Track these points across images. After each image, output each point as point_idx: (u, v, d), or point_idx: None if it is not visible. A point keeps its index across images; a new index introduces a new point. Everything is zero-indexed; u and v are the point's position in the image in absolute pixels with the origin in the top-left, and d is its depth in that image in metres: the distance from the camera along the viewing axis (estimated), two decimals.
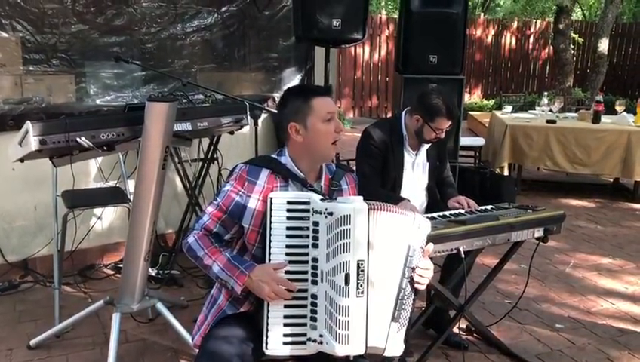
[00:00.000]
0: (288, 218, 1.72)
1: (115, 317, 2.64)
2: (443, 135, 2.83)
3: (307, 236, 1.71)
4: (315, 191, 1.86)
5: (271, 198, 1.73)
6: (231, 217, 1.87)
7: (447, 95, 2.81)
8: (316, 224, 1.69)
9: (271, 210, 1.72)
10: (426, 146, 2.95)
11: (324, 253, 1.67)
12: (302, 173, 1.90)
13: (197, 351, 1.84)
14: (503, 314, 3.05)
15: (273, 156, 1.97)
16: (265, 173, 1.88)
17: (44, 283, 3.50)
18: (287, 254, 1.72)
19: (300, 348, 1.71)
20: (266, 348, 1.70)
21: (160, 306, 2.80)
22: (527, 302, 3.40)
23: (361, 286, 1.64)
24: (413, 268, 1.76)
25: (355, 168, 3.03)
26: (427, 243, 1.83)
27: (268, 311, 1.70)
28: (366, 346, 1.67)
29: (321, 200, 1.72)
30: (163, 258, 3.68)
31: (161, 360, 2.75)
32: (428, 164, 2.98)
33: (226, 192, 1.88)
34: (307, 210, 1.71)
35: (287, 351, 1.71)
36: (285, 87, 4.35)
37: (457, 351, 2.83)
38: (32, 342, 2.82)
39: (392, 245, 1.72)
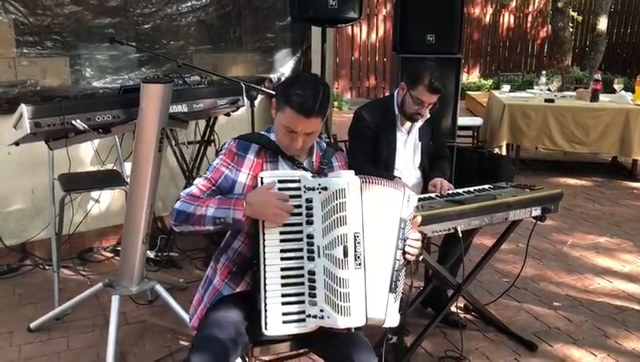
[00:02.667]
0: None
1: (115, 300, 2.65)
2: (424, 111, 2.78)
3: (300, 214, 1.71)
4: (304, 168, 1.86)
5: (262, 178, 1.72)
6: (220, 191, 1.85)
7: (441, 74, 2.75)
8: (309, 201, 1.70)
9: None
10: (418, 125, 2.93)
11: (319, 229, 1.68)
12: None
13: (195, 333, 1.85)
14: (500, 293, 3.06)
15: (263, 133, 1.96)
16: (254, 148, 1.88)
17: (42, 267, 3.51)
18: (281, 233, 1.71)
19: (300, 326, 1.71)
20: (266, 329, 1.69)
21: (159, 288, 2.81)
22: (525, 281, 3.41)
23: (358, 257, 1.66)
24: (404, 240, 1.77)
25: (347, 149, 3.02)
26: (415, 217, 1.85)
27: (265, 292, 1.69)
28: (366, 317, 1.68)
29: (312, 176, 1.73)
30: (161, 240, 3.68)
31: (160, 342, 2.77)
32: (420, 143, 2.97)
33: (215, 166, 1.87)
34: (299, 188, 1.71)
35: (286, 330, 1.71)
36: (281, 68, 4.34)
37: (455, 330, 2.85)
38: (33, 325, 2.83)
39: (385, 217, 1.73)
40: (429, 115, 2.87)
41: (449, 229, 2.29)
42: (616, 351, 2.76)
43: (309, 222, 1.70)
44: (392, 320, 1.75)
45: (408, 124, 2.92)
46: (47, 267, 3.48)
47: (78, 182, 3.15)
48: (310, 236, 1.70)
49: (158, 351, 2.68)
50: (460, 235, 2.30)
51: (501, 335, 2.87)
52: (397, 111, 2.88)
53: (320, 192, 1.67)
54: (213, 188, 1.85)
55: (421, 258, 1.93)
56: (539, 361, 2.68)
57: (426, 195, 2.53)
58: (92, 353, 2.67)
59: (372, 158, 2.89)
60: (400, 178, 2.77)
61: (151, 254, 3.52)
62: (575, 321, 3.03)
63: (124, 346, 2.71)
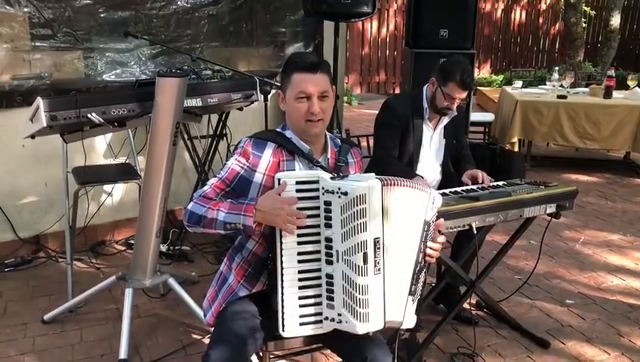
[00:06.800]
0: (298, 198, 1.66)
1: (128, 293, 2.66)
2: (454, 106, 2.77)
3: (318, 216, 1.67)
4: (322, 167, 1.84)
5: (279, 179, 1.67)
6: (235, 192, 1.82)
7: (470, 70, 2.76)
8: (328, 203, 1.65)
9: None
10: (445, 122, 2.92)
11: (338, 233, 1.64)
12: (307, 146, 1.87)
13: (209, 328, 1.85)
14: (513, 290, 3.05)
15: (278, 130, 1.93)
16: (270, 147, 1.84)
17: (56, 259, 3.53)
18: (298, 235, 1.67)
19: (317, 328, 1.71)
20: (283, 330, 1.69)
21: (172, 282, 2.82)
22: (537, 278, 3.40)
23: (378, 263, 1.63)
24: (427, 242, 1.75)
25: (373, 140, 3.01)
26: (438, 218, 1.82)
27: (283, 294, 1.67)
28: (384, 321, 1.68)
29: (331, 178, 1.68)
30: (173, 234, 3.69)
31: (173, 335, 2.78)
32: (445, 140, 2.96)
33: (230, 166, 1.83)
34: (317, 189, 1.66)
35: (303, 331, 1.71)
36: None
37: (468, 327, 2.84)
38: (46, 317, 2.86)
39: (407, 220, 1.70)
40: (456, 112, 2.86)
41: (463, 226, 2.28)
42: (630, 349, 2.75)
43: (328, 225, 1.65)
44: (410, 321, 1.75)
45: (435, 120, 2.91)
46: (60, 259, 3.51)
47: (91, 176, 3.17)
48: (329, 239, 1.66)
49: (170, 344, 2.69)
50: (475, 232, 2.29)
51: (513, 332, 2.86)
52: (425, 105, 2.87)
53: (340, 196, 1.62)
54: (228, 189, 1.82)
55: None
56: (551, 359, 2.67)
57: (440, 191, 2.52)
58: (105, 345, 2.69)
59: (398, 150, 2.88)
60: (423, 177, 2.75)
61: (163, 248, 3.53)
62: (588, 319, 3.01)
63: (137, 339, 2.72)
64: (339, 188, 1.62)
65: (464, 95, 2.74)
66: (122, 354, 2.48)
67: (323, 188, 1.65)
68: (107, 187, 3.72)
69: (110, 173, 3.38)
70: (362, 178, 1.66)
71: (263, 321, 1.78)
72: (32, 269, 3.43)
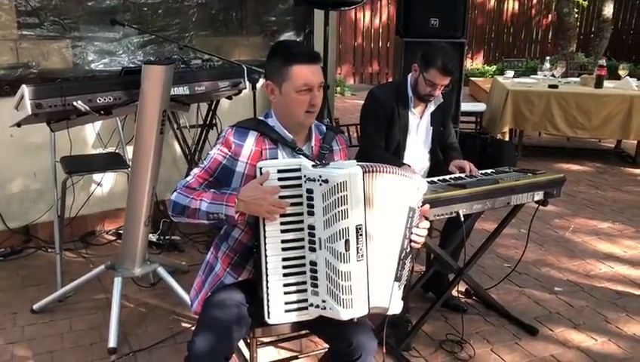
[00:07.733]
0: (280, 187, 1.66)
1: (117, 282, 2.66)
2: (436, 92, 2.76)
3: (301, 203, 1.67)
4: (304, 155, 1.83)
5: (260, 168, 1.67)
6: (218, 181, 1.82)
7: (452, 56, 2.74)
8: (310, 191, 1.65)
9: None
10: (431, 109, 2.91)
11: (320, 221, 1.64)
12: (290, 135, 1.86)
13: (197, 317, 1.85)
14: (502, 278, 3.06)
15: (261, 118, 1.92)
16: (253, 136, 1.82)
17: (45, 249, 3.52)
18: (282, 223, 1.67)
19: (302, 314, 1.71)
20: (269, 317, 1.70)
21: (161, 271, 2.83)
22: (527, 266, 3.42)
23: (360, 249, 1.64)
24: (412, 228, 1.75)
25: (359, 130, 3.00)
26: (424, 204, 1.82)
27: (267, 282, 1.68)
28: (369, 307, 1.68)
29: (313, 165, 1.67)
30: (164, 224, 3.69)
31: (162, 324, 2.78)
32: (432, 128, 2.96)
33: (212, 156, 1.82)
34: (299, 177, 1.66)
35: (289, 318, 1.72)
36: None
37: (456, 314, 2.86)
38: (36, 306, 2.85)
39: (391, 206, 1.70)
40: (442, 99, 2.86)
41: (451, 213, 2.29)
42: (617, 335, 2.77)
43: (310, 213, 1.65)
44: (396, 307, 1.75)
45: (421, 107, 2.90)
46: (50, 249, 3.50)
47: (79, 165, 3.16)
48: (311, 227, 1.66)
49: (160, 333, 2.70)
50: (462, 219, 2.30)
51: (502, 319, 2.88)
52: (410, 93, 2.86)
53: (321, 184, 1.62)
54: (211, 178, 1.82)
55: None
56: (539, 345, 2.68)
57: (429, 179, 2.53)
58: (94, 334, 2.69)
59: (384, 139, 2.88)
60: (410, 165, 2.75)
61: (153, 237, 3.53)
62: (576, 306, 3.03)
63: (127, 328, 2.72)
64: (320, 176, 1.62)
65: (446, 81, 2.72)
66: (111, 343, 2.49)
67: (305, 176, 1.65)
68: (97, 177, 3.71)
69: (98, 162, 3.37)
70: (344, 165, 1.66)
71: (250, 308, 1.79)
72: (21, 259, 3.43)
